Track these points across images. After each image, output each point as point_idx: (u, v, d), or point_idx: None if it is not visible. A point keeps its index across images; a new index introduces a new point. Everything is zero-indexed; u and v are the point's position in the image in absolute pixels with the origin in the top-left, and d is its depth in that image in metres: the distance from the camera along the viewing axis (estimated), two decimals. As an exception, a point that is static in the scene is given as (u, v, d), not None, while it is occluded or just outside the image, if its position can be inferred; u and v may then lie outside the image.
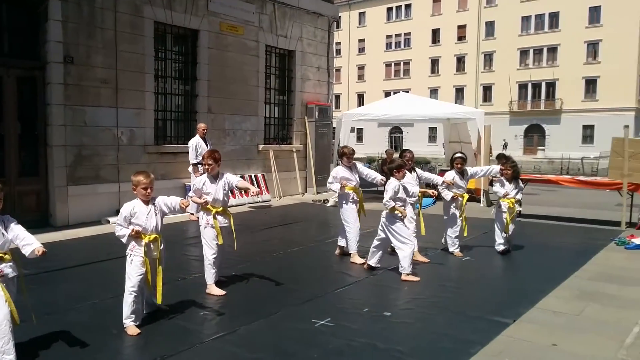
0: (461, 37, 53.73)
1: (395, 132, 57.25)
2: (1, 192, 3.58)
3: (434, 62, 55.93)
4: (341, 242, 7.12)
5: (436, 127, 47.02)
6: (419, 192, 6.71)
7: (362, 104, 52.34)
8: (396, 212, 6.03)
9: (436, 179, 7.41)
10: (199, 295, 5.30)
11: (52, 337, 4.18)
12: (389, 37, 58.98)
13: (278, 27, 13.47)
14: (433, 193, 6.82)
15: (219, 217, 5.36)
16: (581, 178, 12.20)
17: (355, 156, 7.13)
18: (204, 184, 5.35)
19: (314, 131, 14.45)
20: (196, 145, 10.05)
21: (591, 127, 46.21)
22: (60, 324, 4.45)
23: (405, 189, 6.25)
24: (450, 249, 7.29)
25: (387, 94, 45.13)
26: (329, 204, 12.27)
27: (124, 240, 4.36)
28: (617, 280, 6.06)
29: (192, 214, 9.45)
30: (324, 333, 4.35)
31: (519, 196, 7.50)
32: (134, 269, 4.35)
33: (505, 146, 43.22)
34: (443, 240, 7.54)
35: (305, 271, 6.52)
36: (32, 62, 8.97)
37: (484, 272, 6.53)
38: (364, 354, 3.95)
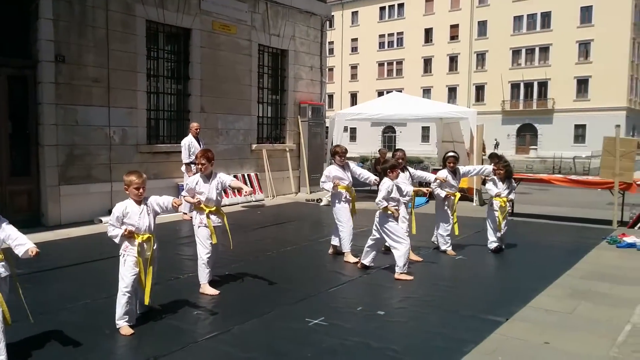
0: (454, 37, 53.93)
1: (389, 132, 57.36)
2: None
3: (427, 62, 56.10)
4: (334, 241, 7.12)
5: (429, 127, 47.15)
6: (413, 191, 6.72)
7: (355, 104, 52.44)
8: (388, 211, 6.04)
9: (429, 176, 7.44)
10: (192, 295, 5.28)
11: (45, 337, 4.16)
12: (381, 36, 59.09)
13: (271, 26, 13.45)
14: (427, 191, 6.85)
15: (213, 217, 5.36)
16: (573, 177, 12.30)
17: (348, 155, 7.13)
18: (197, 184, 5.33)
19: (307, 130, 14.44)
20: (189, 145, 10.02)
21: (583, 126, 46.58)
22: (53, 324, 4.43)
23: (399, 189, 6.27)
24: (443, 248, 7.31)
25: (380, 94, 45.28)
26: (322, 203, 12.26)
27: (116, 240, 4.34)
28: (609, 278, 6.10)
29: (185, 214, 9.44)
30: (318, 332, 4.36)
31: (511, 196, 7.55)
32: (127, 269, 4.33)
33: (496, 145, 43.38)
34: (433, 239, 7.56)
35: (298, 270, 6.52)
36: (23, 60, 8.90)
37: (477, 271, 6.56)
38: (358, 353, 3.95)
